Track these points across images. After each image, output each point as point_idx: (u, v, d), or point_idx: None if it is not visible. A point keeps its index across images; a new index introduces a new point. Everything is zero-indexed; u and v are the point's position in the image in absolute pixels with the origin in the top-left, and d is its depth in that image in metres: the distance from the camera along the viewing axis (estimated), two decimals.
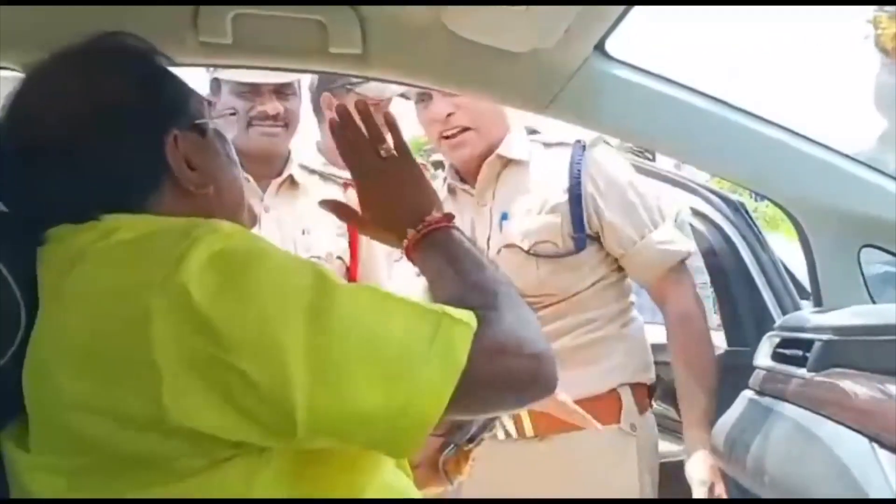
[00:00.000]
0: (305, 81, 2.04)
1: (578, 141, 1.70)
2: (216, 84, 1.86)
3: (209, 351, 0.72)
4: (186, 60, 1.30)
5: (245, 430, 0.73)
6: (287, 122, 1.86)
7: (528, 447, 1.68)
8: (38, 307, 0.80)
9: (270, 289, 0.74)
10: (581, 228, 1.66)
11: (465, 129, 1.70)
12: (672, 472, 1.68)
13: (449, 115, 1.68)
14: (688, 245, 1.71)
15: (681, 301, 1.68)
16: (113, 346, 0.74)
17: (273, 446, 0.76)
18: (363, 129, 1.04)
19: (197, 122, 0.92)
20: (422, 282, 1.71)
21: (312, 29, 1.31)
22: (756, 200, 4.46)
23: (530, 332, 0.83)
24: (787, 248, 2.14)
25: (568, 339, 1.66)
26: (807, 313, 1.58)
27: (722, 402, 1.51)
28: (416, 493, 0.94)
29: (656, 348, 1.78)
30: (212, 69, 1.84)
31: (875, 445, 1.03)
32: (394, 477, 0.90)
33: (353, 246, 1.89)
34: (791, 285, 1.97)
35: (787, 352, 1.33)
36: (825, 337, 1.23)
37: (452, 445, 1.14)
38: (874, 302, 1.54)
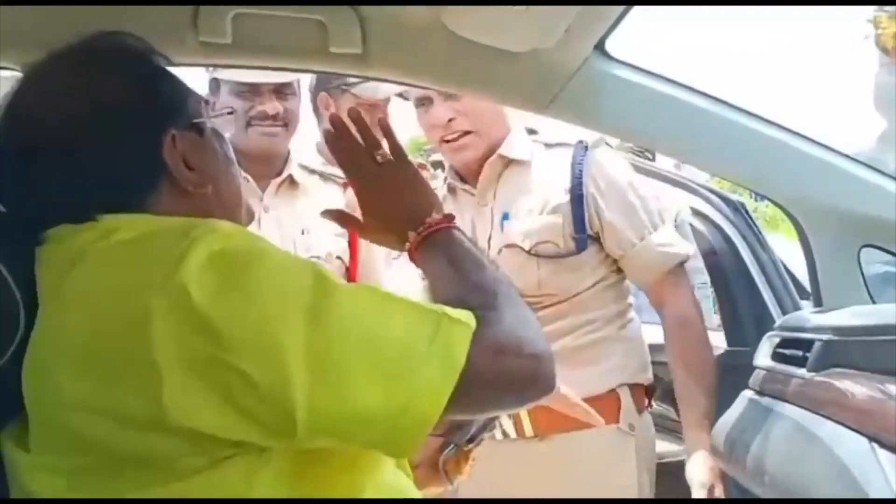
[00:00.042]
0: (305, 81, 2.04)
1: (580, 141, 1.70)
2: (215, 84, 1.86)
3: (209, 351, 0.72)
4: (186, 60, 1.30)
5: (245, 430, 0.73)
6: (286, 122, 1.86)
7: (527, 447, 1.68)
8: (38, 307, 0.80)
9: (270, 289, 0.74)
10: (582, 229, 1.66)
11: (466, 133, 1.70)
12: (672, 472, 1.68)
13: (450, 120, 1.68)
14: (687, 248, 1.71)
15: (679, 304, 1.69)
16: (113, 345, 0.74)
17: (273, 446, 0.76)
18: (358, 137, 1.05)
19: (195, 121, 0.92)
20: (419, 283, 1.73)
21: (312, 29, 1.31)
22: (756, 200, 4.47)
23: (530, 332, 0.83)
24: (787, 248, 2.14)
25: (568, 339, 1.66)
26: (807, 313, 1.58)
27: (722, 402, 1.51)
28: (417, 493, 0.94)
29: (654, 348, 1.78)
30: (211, 69, 1.84)
31: (875, 445, 1.03)
32: (394, 477, 0.90)
33: (352, 246, 1.89)
34: (791, 285, 1.98)
35: (787, 352, 1.33)
36: (825, 337, 1.23)
37: (452, 445, 1.14)
38: (874, 302, 1.54)
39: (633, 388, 1.72)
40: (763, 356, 1.42)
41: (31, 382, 0.78)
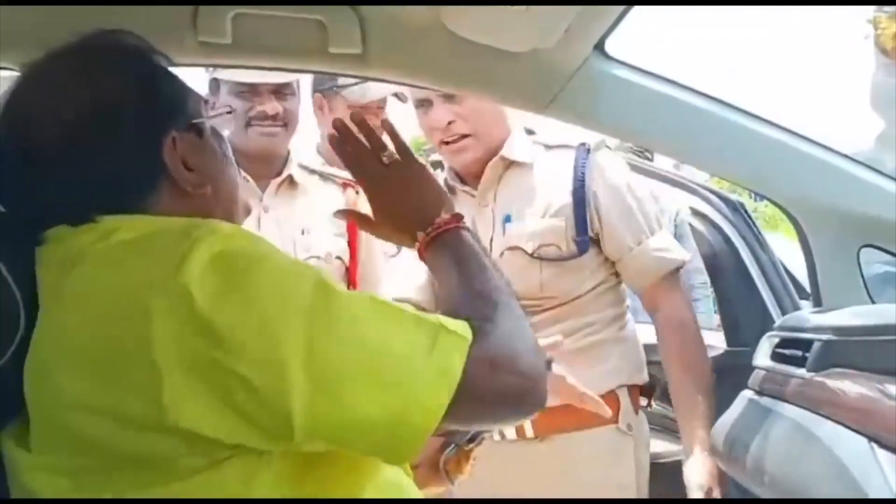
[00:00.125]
0: (305, 81, 2.04)
1: (582, 144, 1.71)
2: (215, 84, 1.86)
3: (209, 353, 0.72)
4: (186, 60, 1.30)
5: (244, 433, 0.74)
6: (286, 122, 1.86)
7: (528, 447, 1.68)
8: (38, 307, 0.80)
9: (272, 293, 0.74)
10: (584, 231, 1.67)
11: (465, 136, 1.70)
12: (670, 472, 1.69)
13: (449, 122, 1.68)
14: (683, 254, 1.72)
15: (674, 307, 1.69)
16: (113, 346, 0.74)
17: (271, 450, 0.76)
18: (363, 140, 1.05)
19: (194, 121, 0.91)
20: (416, 280, 1.73)
21: (312, 29, 1.31)
22: (755, 200, 4.47)
23: (525, 347, 0.83)
24: (786, 248, 2.14)
25: (569, 341, 1.66)
26: (806, 313, 1.58)
27: (722, 402, 1.51)
28: (417, 493, 0.94)
29: (649, 348, 1.78)
30: (211, 69, 1.84)
31: (874, 445, 1.03)
32: (394, 476, 0.90)
33: (352, 246, 1.89)
34: (790, 285, 1.98)
35: (787, 352, 1.33)
36: (825, 337, 1.23)
37: (453, 445, 1.14)
38: (874, 302, 1.55)
39: (631, 388, 1.73)
40: (762, 356, 1.42)
41: (31, 382, 0.78)
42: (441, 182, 1.80)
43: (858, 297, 1.53)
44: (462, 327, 0.79)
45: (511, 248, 1.68)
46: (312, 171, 1.94)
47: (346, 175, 1.97)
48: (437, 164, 1.75)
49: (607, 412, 1.35)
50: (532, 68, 1.39)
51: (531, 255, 1.67)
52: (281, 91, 1.84)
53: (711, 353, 2.05)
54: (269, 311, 0.73)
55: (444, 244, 0.97)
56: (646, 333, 1.80)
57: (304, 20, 1.31)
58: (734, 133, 1.50)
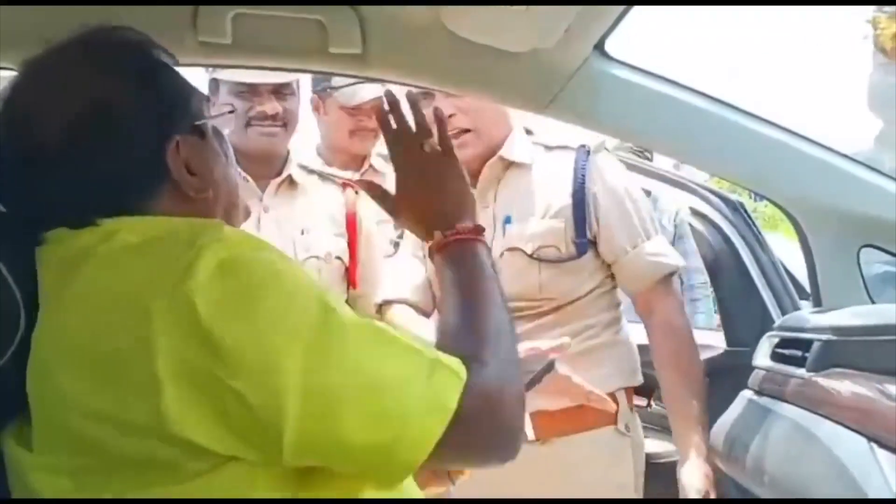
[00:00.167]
0: (305, 82, 2.04)
1: (583, 146, 1.71)
2: (215, 84, 1.86)
3: (209, 367, 0.72)
4: (186, 60, 1.29)
5: (236, 446, 0.74)
6: (286, 122, 1.86)
7: (528, 450, 1.67)
8: (38, 307, 0.80)
9: (275, 312, 0.74)
10: (583, 233, 1.67)
11: (465, 132, 1.70)
12: (668, 471, 1.69)
13: (450, 116, 1.68)
14: (677, 260, 1.73)
15: (668, 313, 1.70)
16: (114, 351, 0.74)
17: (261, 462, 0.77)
18: (411, 121, 1.03)
19: (197, 123, 0.90)
20: (413, 280, 1.73)
21: (312, 29, 1.31)
22: (755, 200, 4.47)
23: (511, 394, 0.83)
24: (786, 248, 2.14)
25: (567, 338, 1.67)
26: (806, 313, 1.58)
27: (722, 402, 1.51)
28: (418, 493, 0.93)
29: (645, 349, 1.78)
30: (210, 69, 1.84)
31: (874, 445, 1.03)
32: None
33: (352, 246, 1.89)
34: (790, 285, 1.98)
35: (787, 352, 1.34)
36: (824, 337, 1.23)
37: None
38: (874, 302, 1.55)
39: (627, 390, 1.74)
40: (762, 356, 1.42)
41: (33, 382, 0.78)
42: None
43: (858, 297, 1.53)
44: (457, 363, 0.79)
45: (511, 249, 1.68)
46: (312, 171, 1.93)
47: (346, 175, 1.98)
48: None
49: (613, 407, 1.36)
50: (532, 68, 1.39)
51: (530, 256, 1.67)
52: (281, 91, 1.84)
53: (711, 354, 2.07)
54: (271, 331, 0.73)
55: (460, 253, 0.96)
56: (640, 334, 1.80)
57: (304, 20, 1.31)
58: (734, 133, 1.50)
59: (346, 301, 1.87)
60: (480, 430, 0.79)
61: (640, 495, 1.74)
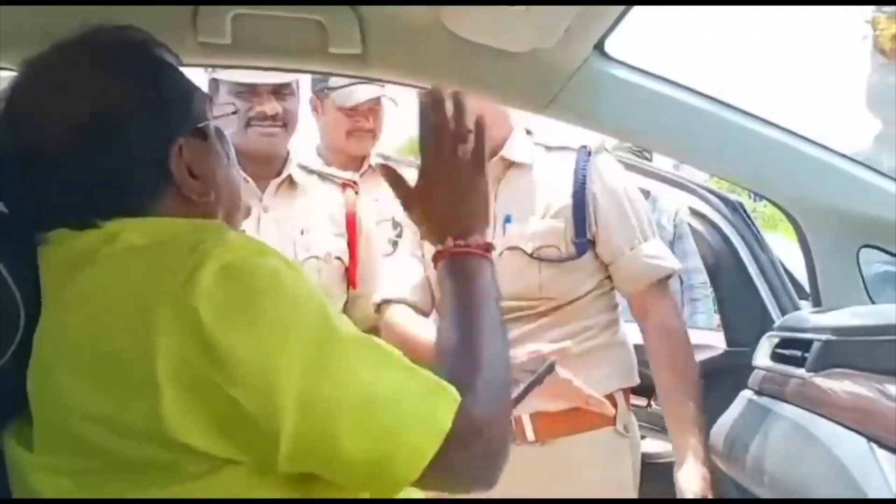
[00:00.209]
0: (304, 82, 2.04)
1: (583, 146, 1.71)
2: (214, 84, 1.86)
3: (208, 373, 0.72)
4: (185, 61, 1.29)
5: (232, 451, 0.74)
6: (285, 123, 1.86)
7: (529, 451, 1.68)
8: (38, 307, 0.80)
9: (276, 323, 0.74)
10: (583, 233, 1.67)
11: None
12: (669, 472, 1.69)
13: None
14: (674, 263, 1.73)
15: (663, 315, 1.70)
16: (115, 354, 0.74)
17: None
18: (453, 122, 1.01)
19: (200, 125, 0.90)
20: (412, 279, 1.73)
21: (312, 29, 1.31)
22: (754, 200, 4.47)
23: (499, 422, 0.83)
24: (786, 248, 2.14)
25: (569, 342, 1.67)
26: (806, 313, 1.58)
27: (722, 402, 1.51)
28: (418, 493, 0.93)
29: (641, 349, 1.79)
30: (210, 69, 1.84)
31: (874, 445, 1.03)
32: None
33: (351, 246, 1.89)
34: (790, 285, 1.98)
35: (787, 352, 1.34)
36: (824, 337, 1.23)
37: None
38: (873, 302, 1.55)
39: (625, 390, 1.74)
40: (762, 356, 1.42)
41: (34, 383, 0.78)
42: None
43: (858, 297, 1.53)
44: (452, 389, 0.79)
45: (511, 249, 1.68)
46: (312, 171, 1.93)
47: (346, 175, 1.98)
48: None
49: (611, 411, 1.36)
50: (532, 68, 1.39)
51: (531, 256, 1.67)
52: (280, 91, 1.84)
53: (711, 354, 2.07)
54: (270, 341, 0.74)
55: (468, 266, 0.95)
56: (636, 334, 1.80)
57: (304, 20, 1.31)
58: (734, 133, 1.50)
59: (346, 301, 1.87)
60: (465, 456, 0.79)
61: (636, 494, 1.74)
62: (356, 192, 1.92)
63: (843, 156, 1.53)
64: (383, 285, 1.80)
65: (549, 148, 1.76)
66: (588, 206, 1.67)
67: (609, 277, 1.73)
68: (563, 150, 1.74)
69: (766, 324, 1.74)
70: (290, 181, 1.87)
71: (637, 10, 1.28)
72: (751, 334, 1.70)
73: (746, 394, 1.42)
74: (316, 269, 1.79)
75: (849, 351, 1.18)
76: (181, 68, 0.94)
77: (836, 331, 1.24)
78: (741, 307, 2.03)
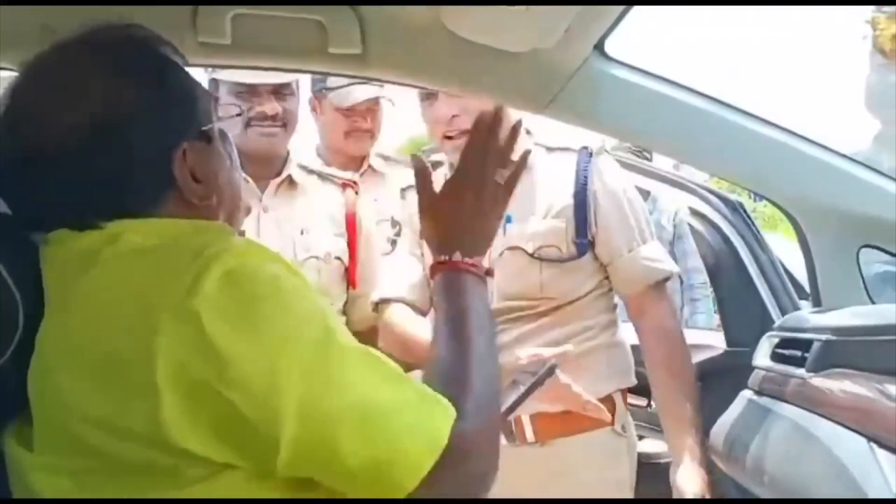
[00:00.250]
0: (304, 82, 2.04)
1: (585, 147, 1.71)
2: (214, 84, 1.86)
3: (208, 378, 0.72)
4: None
5: (232, 456, 0.75)
6: (285, 123, 1.86)
7: (529, 451, 1.69)
8: (38, 307, 0.80)
9: (278, 331, 0.74)
10: (584, 234, 1.68)
11: (468, 132, 1.69)
12: (666, 472, 1.69)
13: (453, 116, 1.68)
14: (671, 266, 1.74)
15: (659, 317, 1.71)
16: (116, 356, 0.74)
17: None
18: (498, 143, 1.02)
19: (204, 129, 0.89)
20: (410, 278, 1.73)
21: (312, 29, 1.30)
22: (754, 200, 4.47)
23: (487, 445, 0.82)
24: (786, 248, 2.14)
25: (570, 346, 1.68)
26: (806, 313, 1.58)
27: (721, 402, 1.51)
28: None
29: (638, 349, 1.79)
30: (210, 69, 1.84)
31: (874, 445, 1.03)
32: None
33: (351, 246, 1.89)
34: (790, 285, 1.98)
35: (787, 352, 1.34)
36: (824, 337, 1.23)
37: None
38: (873, 302, 1.55)
39: (623, 391, 1.75)
40: (762, 356, 1.42)
41: (34, 383, 0.78)
42: (441, 179, 1.80)
43: (858, 297, 1.53)
44: (448, 403, 0.79)
45: (511, 248, 1.68)
46: (311, 172, 1.93)
47: (346, 176, 1.98)
48: (438, 165, 1.75)
49: (608, 417, 1.36)
50: (532, 68, 1.39)
51: (531, 256, 1.67)
52: (280, 91, 1.84)
53: (711, 354, 2.07)
54: (270, 348, 0.73)
55: (466, 281, 0.94)
56: (633, 334, 1.81)
57: (304, 20, 1.30)
58: (734, 133, 1.50)
59: (346, 301, 1.87)
60: (452, 475, 0.78)
61: (633, 495, 1.75)
62: (356, 193, 1.92)
63: (843, 156, 1.53)
64: (382, 284, 1.80)
65: (549, 149, 1.76)
66: (589, 206, 1.68)
67: (608, 278, 1.74)
68: (563, 150, 1.74)
69: (766, 324, 1.74)
70: (290, 181, 1.87)
71: (637, 10, 1.28)
72: (751, 334, 1.70)
73: (746, 394, 1.42)
74: (316, 269, 1.79)
75: (849, 351, 1.18)
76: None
77: (836, 331, 1.24)
78: (741, 307, 2.04)
